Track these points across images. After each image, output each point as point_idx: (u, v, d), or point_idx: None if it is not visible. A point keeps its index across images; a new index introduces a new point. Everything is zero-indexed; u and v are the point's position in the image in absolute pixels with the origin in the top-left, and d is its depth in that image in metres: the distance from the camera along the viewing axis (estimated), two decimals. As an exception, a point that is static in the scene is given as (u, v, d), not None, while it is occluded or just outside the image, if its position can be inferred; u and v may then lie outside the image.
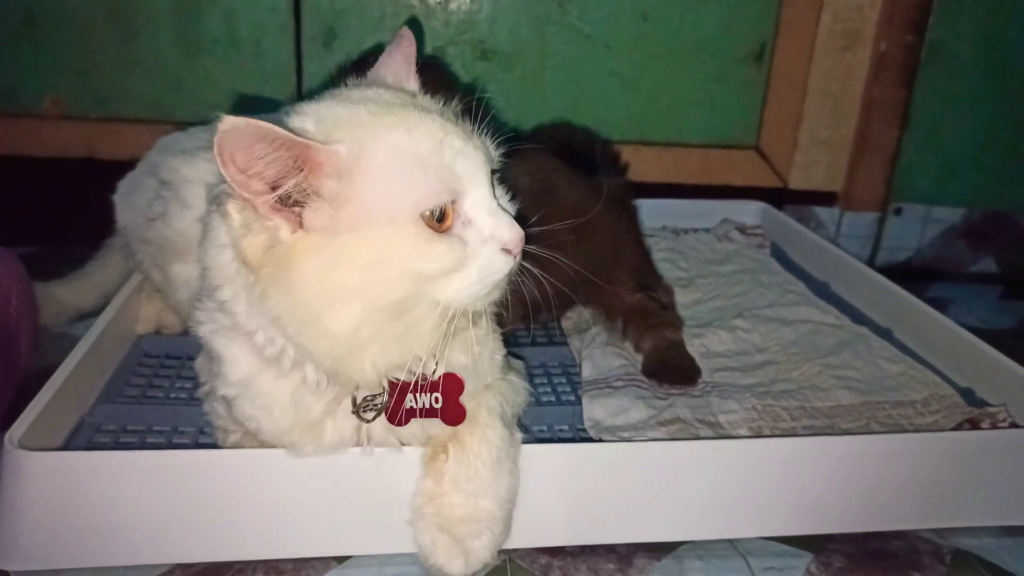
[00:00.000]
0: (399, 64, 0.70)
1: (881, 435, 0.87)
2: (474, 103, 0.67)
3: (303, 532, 0.74)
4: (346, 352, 0.62)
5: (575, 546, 0.79)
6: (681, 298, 1.22)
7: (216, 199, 0.64)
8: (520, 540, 0.75)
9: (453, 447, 0.70)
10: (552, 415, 0.94)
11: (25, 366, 0.96)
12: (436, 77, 0.90)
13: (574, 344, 1.09)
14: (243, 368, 0.68)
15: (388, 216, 0.59)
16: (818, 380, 0.99)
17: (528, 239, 0.66)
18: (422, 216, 0.59)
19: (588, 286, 0.97)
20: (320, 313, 0.60)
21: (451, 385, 0.70)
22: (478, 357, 0.72)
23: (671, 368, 1.00)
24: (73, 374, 0.83)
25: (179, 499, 0.71)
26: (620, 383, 0.97)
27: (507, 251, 0.63)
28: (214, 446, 0.78)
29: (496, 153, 0.67)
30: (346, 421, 0.70)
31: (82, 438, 0.84)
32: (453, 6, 1.41)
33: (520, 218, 0.66)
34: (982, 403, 0.95)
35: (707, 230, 1.45)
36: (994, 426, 0.88)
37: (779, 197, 1.55)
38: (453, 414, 0.71)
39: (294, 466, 0.71)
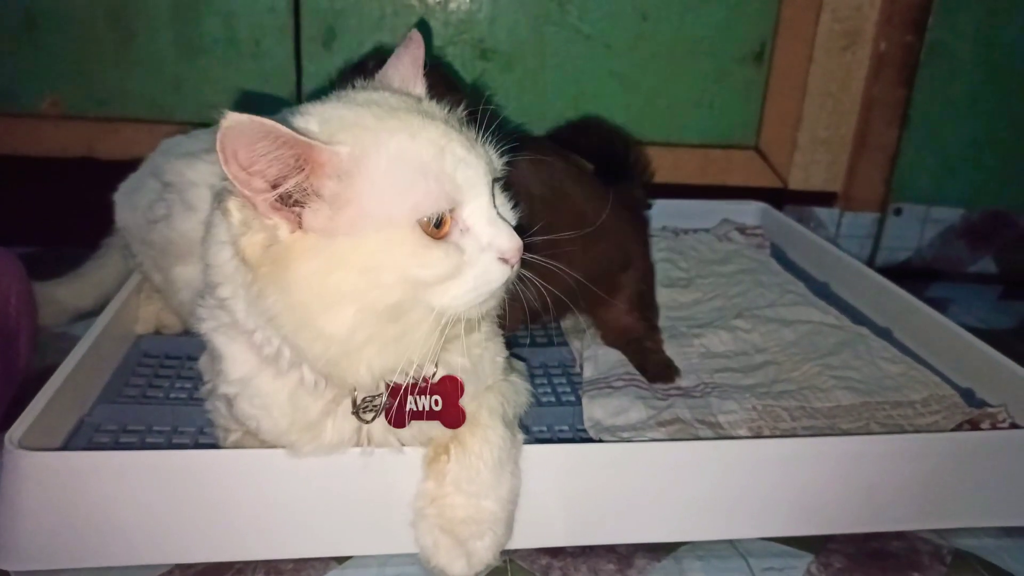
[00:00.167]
0: (406, 67, 0.70)
1: (881, 435, 0.87)
2: (480, 108, 0.67)
3: (303, 532, 0.74)
4: (341, 354, 0.62)
5: (575, 546, 0.79)
6: (681, 298, 1.23)
7: (218, 196, 0.64)
8: (520, 540, 0.75)
9: (454, 448, 0.70)
10: (552, 415, 0.94)
11: (25, 366, 0.96)
12: (440, 81, 0.90)
13: (574, 344, 1.09)
14: (242, 366, 0.68)
15: (386, 220, 0.59)
16: (818, 380, 0.99)
17: (531, 247, 0.66)
18: (419, 222, 0.59)
19: (588, 296, 0.97)
20: (315, 314, 0.60)
21: (451, 388, 0.70)
22: (479, 360, 0.72)
23: (650, 366, 1.01)
24: (73, 374, 0.83)
25: (179, 499, 0.71)
26: (620, 383, 0.97)
27: (504, 261, 0.63)
28: (214, 446, 0.78)
29: (499, 162, 0.67)
30: (346, 421, 0.70)
31: (82, 438, 0.84)
32: (452, 6, 1.41)
33: (522, 227, 0.66)
34: (982, 403, 0.95)
35: (707, 230, 1.45)
36: (994, 426, 0.88)
37: (779, 197, 1.55)
38: (453, 417, 0.71)
39: (294, 466, 0.70)
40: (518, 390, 0.79)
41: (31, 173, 1.37)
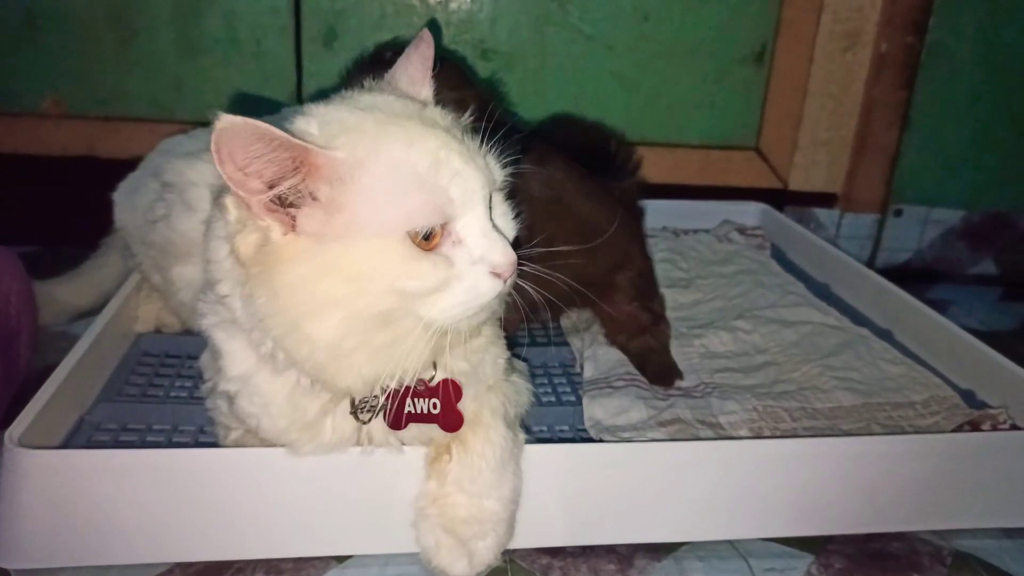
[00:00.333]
0: (416, 68, 0.69)
1: (881, 436, 0.87)
2: (492, 107, 0.67)
3: (303, 532, 0.74)
4: (329, 360, 0.61)
5: (575, 546, 0.79)
6: (681, 299, 1.23)
7: (217, 192, 0.64)
8: (520, 540, 0.75)
9: (456, 448, 0.70)
10: (552, 415, 0.94)
11: (25, 365, 0.96)
12: (454, 75, 0.89)
13: (574, 344, 1.09)
14: (242, 363, 0.68)
15: (376, 229, 0.58)
16: (818, 381, 0.99)
17: (531, 256, 0.65)
18: (409, 233, 0.58)
19: (587, 294, 0.97)
20: (303, 319, 0.59)
21: (449, 392, 0.70)
22: (480, 363, 0.72)
23: (650, 367, 1.00)
24: (73, 373, 0.83)
25: (179, 498, 0.71)
26: (621, 383, 0.97)
27: (497, 275, 0.62)
28: (214, 445, 0.78)
29: (502, 173, 0.66)
30: (345, 421, 0.70)
31: (82, 437, 0.84)
32: (454, 6, 1.41)
33: (522, 240, 0.65)
34: (983, 405, 0.95)
35: (707, 231, 1.45)
36: (995, 428, 0.88)
37: (779, 198, 1.55)
38: (450, 420, 0.70)
39: (295, 465, 0.70)
40: (519, 390, 0.79)
41: (32, 172, 1.37)
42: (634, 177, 1.23)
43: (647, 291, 1.10)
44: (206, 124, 0.56)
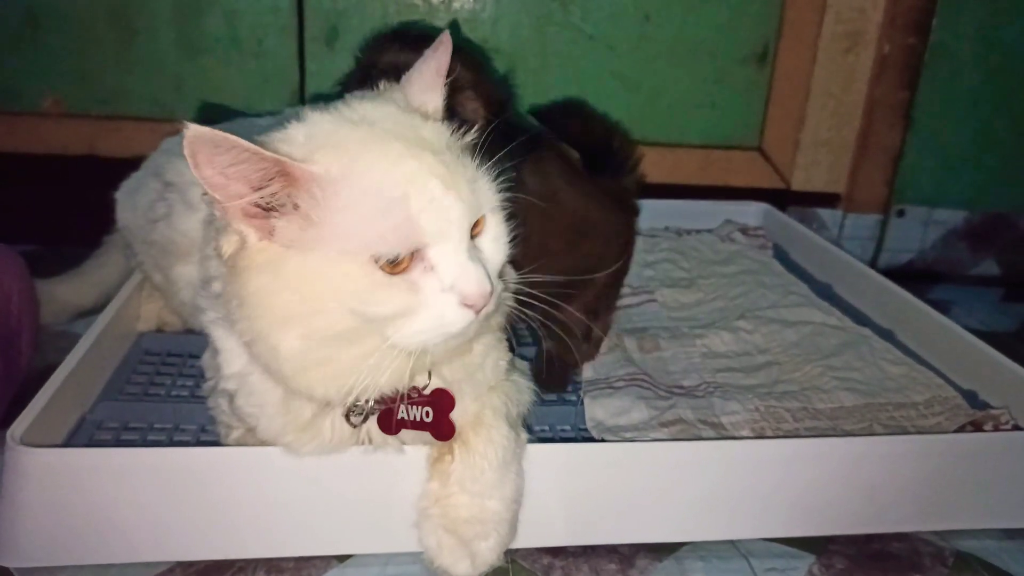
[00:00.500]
0: (430, 75, 0.67)
1: (883, 436, 0.86)
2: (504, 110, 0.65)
3: (304, 531, 0.74)
4: (296, 371, 0.61)
5: (577, 546, 0.79)
6: (683, 298, 1.23)
7: None
8: (522, 540, 0.74)
9: (458, 448, 0.70)
10: (554, 415, 0.94)
11: (26, 364, 0.96)
12: (468, 78, 0.88)
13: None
14: (238, 360, 0.68)
15: (339, 248, 0.57)
16: (820, 381, 0.99)
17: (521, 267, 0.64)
18: (373, 257, 0.57)
19: (561, 293, 0.97)
20: (267, 329, 0.59)
21: (442, 401, 0.69)
22: (479, 368, 0.72)
23: (540, 373, 0.96)
24: (74, 372, 0.83)
25: (180, 497, 0.71)
26: (621, 383, 0.97)
27: (468, 306, 0.59)
28: (216, 444, 0.78)
29: (496, 197, 0.64)
30: (344, 422, 0.69)
31: (83, 435, 0.84)
32: (456, 5, 1.41)
33: (518, 262, 0.65)
34: (985, 405, 0.95)
35: (709, 231, 1.45)
36: (996, 428, 0.88)
37: (781, 198, 1.54)
38: (442, 430, 0.70)
39: (295, 464, 0.70)
40: (521, 389, 0.78)
41: (32, 171, 1.37)
42: (633, 174, 1.22)
43: (603, 302, 1.07)
44: (205, 124, 0.56)
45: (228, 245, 0.59)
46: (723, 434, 0.88)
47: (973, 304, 1.46)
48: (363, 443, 0.71)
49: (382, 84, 0.67)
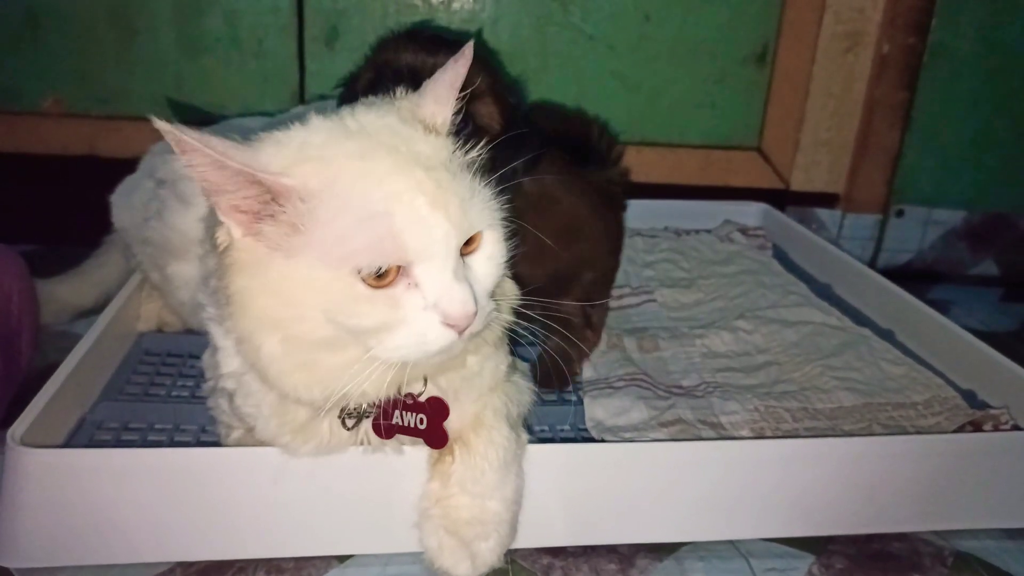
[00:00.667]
0: (444, 87, 0.65)
1: (883, 437, 0.87)
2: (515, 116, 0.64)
3: (304, 531, 0.74)
4: (280, 373, 0.61)
5: (577, 546, 0.79)
6: (683, 298, 1.23)
7: None
8: (522, 540, 0.75)
9: (459, 449, 0.70)
10: (554, 415, 0.94)
11: (26, 364, 0.96)
12: (482, 86, 0.87)
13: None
14: (235, 360, 0.68)
15: (323, 259, 0.56)
16: (820, 381, 0.99)
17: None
18: (356, 270, 0.56)
19: (551, 289, 0.97)
20: (250, 332, 0.59)
21: (435, 410, 0.69)
22: (476, 375, 0.71)
23: (543, 372, 0.96)
24: (74, 372, 0.83)
25: (180, 497, 0.71)
26: (621, 383, 0.97)
27: (450, 325, 0.59)
28: (216, 444, 0.78)
29: (493, 216, 0.63)
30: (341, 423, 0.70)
31: (83, 436, 0.84)
32: (456, 5, 1.41)
33: (521, 278, 0.64)
34: (984, 405, 0.95)
35: (709, 231, 1.45)
36: (996, 428, 0.88)
37: (781, 198, 1.55)
38: (435, 438, 0.70)
39: (295, 465, 0.70)
40: (521, 389, 0.78)
41: (33, 171, 1.37)
42: (617, 166, 1.22)
43: (596, 295, 1.08)
44: (206, 123, 0.56)
45: (222, 236, 0.60)
46: (722, 434, 0.88)
47: (972, 304, 1.46)
48: (362, 444, 0.70)
49: (399, 90, 0.66)
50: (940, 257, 1.59)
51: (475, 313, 0.59)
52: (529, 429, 0.78)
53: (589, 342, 1.05)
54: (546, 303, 0.70)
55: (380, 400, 0.65)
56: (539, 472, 0.74)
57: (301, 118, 0.62)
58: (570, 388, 0.99)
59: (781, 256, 1.38)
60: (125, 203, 0.99)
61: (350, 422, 0.69)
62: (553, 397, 0.98)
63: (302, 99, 1.41)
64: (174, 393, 0.95)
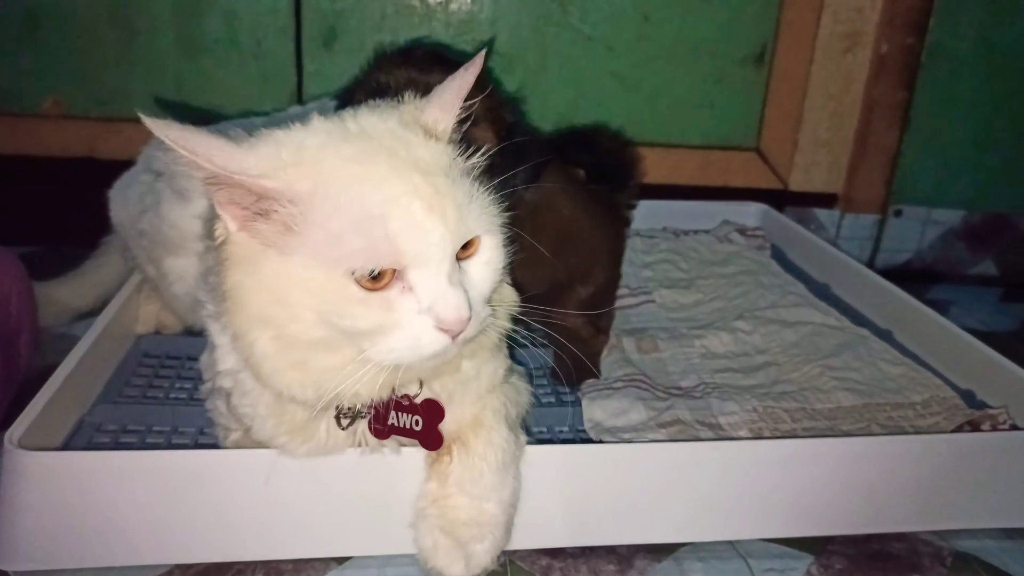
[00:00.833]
0: (449, 96, 0.65)
1: (881, 437, 0.87)
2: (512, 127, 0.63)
3: (303, 533, 0.74)
4: (271, 371, 0.61)
5: (575, 547, 0.79)
6: (682, 299, 1.23)
7: None
8: (520, 541, 0.75)
9: (457, 449, 0.70)
10: (552, 416, 0.94)
11: (25, 366, 0.96)
12: (485, 103, 0.87)
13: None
14: (231, 357, 0.68)
15: (317, 259, 0.56)
16: (818, 382, 0.99)
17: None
18: (350, 271, 0.56)
19: (547, 298, 0.98)
20: (243, 327, 0.59)
21: (431, 412, 0.69)
22: (473, 378, 0.71)
23: (563, 365, 0.98)
24: (73, 374, 0.83)
25: (179, 499, 0.71)
26: (620, 384, 0.97)
27: (444, 330, 0.59)
28: (214, 446, 0.78)
29: (489, 221, 0.62)
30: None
31: (82, 438, 0.84)
32: (454, 7, 1.41)
33: (520, 283, 0.64)
34: (983, 405, 0.95)
35: (707, 231, 1.45)
36: (995, 428, 0.88)
37: (779, 199, 1.55)
38: (431, 440, 0.70)
39: (294, 466, 0.70)
40: (520, 391, 0.78)
41: (32, 173, 1.37)
42: (631, 190, 1.23)
43: (600, 305, 1.08)
44: (205, 123, 0.57)
45: (220, 230, 0.60)
46: (721, 435, 0.88)
47: (971, 304, 1.46)
48: (359, 445, 0.70)
49: (407, 95, 0.66)
50: (939, 257, 1.59)
51: (469, 318, 0.59)
52: (527, 430, 0.78)
53: (600, 344, 1.05)
54: (546, 311, 0.70)
55: (376, 401, 0.65)
56: (538, 473, 0.74)
57: (302, 118, 0.62)
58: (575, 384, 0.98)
59: (780, 256, 1.38)
60: (122, 197, 0.99)
61: (345, 422, 0.68)
62: (552, 399, 0.98)
63: (300, 100, 1.41)
64: (172, 395, 0.95)
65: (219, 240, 0.60)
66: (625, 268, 1.21)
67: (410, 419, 0.69)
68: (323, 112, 0.64)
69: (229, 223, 0.58)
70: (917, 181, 1.54)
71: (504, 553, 0.73)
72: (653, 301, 1.21)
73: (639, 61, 1.48)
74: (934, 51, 1.45)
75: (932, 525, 0.84)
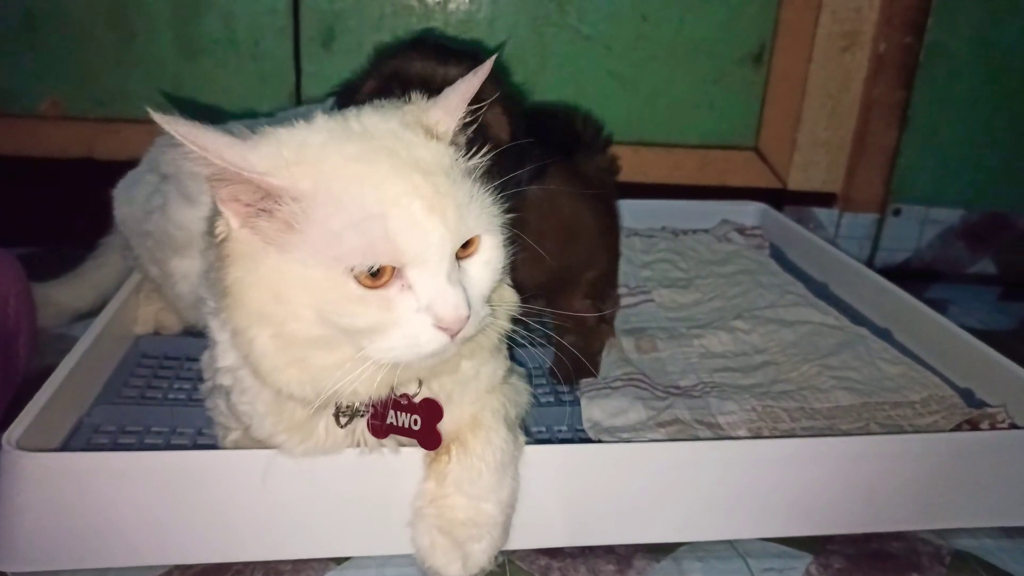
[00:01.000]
0: (456, 98, 0.64)
1: (880, 436, 0.87)
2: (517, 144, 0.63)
3: (302, 533, 0.74)
4: (270, 368, 0.61)
5: (574, 547, 0.79)
6: (680, 299, 1.23)
7: None
8: (519, 541, 0.75)
9: (456, 449, 0.70)
10: (551, 416, 0.94)
11: (24, 367, 0.96)
12: (500, 103, 0.87)
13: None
14: (231, 354, 0.67)
15: (316, 257, 0.57)
16: (817, 381, 0.99)
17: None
18: (349, 269, 0.56)
19: (552, 288, 0.99)
20: (243, 324, 0.59)
21: (430, 412, 0.69)
22: (472, 379, 0.71)
23: (562, 365, 0.98)
24: (71, 375, 0.83)
25: (177, 500, 0.71)
26: (619, 383, 0.97)
27: (443, 329, 0.59)
28: (213, 447, 0.78)
29: (490, 220, 0.62)
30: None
31: (80, 439, 0.84)
32: (452, 6, 1.41)
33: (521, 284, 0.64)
34: (981, 404, 0.95)
35: (706, 231, 1.45)
36: (993, 427, 0.88)
37: (778, 198, 1.55)
38: (429, 439, 0.70)
39: (293, 467, 0.70)
40: (519, 391, 0.78)
41: (30, 174, 1.37)
42: (604, 154, 1.23)
43: (603, 292, 1.09)
44: (211, 121, 0.57)
45: (221, 226, 0.60)
46: (720, 434, 0.88)
47: (970, 303, 1.46)
48: (358, 445, 0.70)
49: (412, 95, 0.66)
50: (938, 256, 1.59)
51: (468, 317, 0.59)
52: (526, 430, 0.78)
53: (605, 334, 1.06)
54: (546, 311, 0.70)
55: (374, 400, 0.65)
56: (536, 473, 0.74)
57: (306, 116, 0.62)
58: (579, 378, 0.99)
59: (779, 256, 1.38)
60: (126, 196, 0.99)
61: (343, 420, 0.69)
62: (551, 399, 0.98)
63: (298, 100, 1.41)
64: (171, 396, 0.95)
65: (220, 237, 0.60)
66: (624, 267, 1.22)
67: (409, 418, 0.69)
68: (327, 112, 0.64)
69: (231, 220, 0.59)
70: (916, 180, 1.54)
71: (503, 553, 0.73)
72: (652, 300, 1.21)
73: (637, 61, 1.48)
74: (932, 50, 1.45)
75: (931, 524, 0.84)
